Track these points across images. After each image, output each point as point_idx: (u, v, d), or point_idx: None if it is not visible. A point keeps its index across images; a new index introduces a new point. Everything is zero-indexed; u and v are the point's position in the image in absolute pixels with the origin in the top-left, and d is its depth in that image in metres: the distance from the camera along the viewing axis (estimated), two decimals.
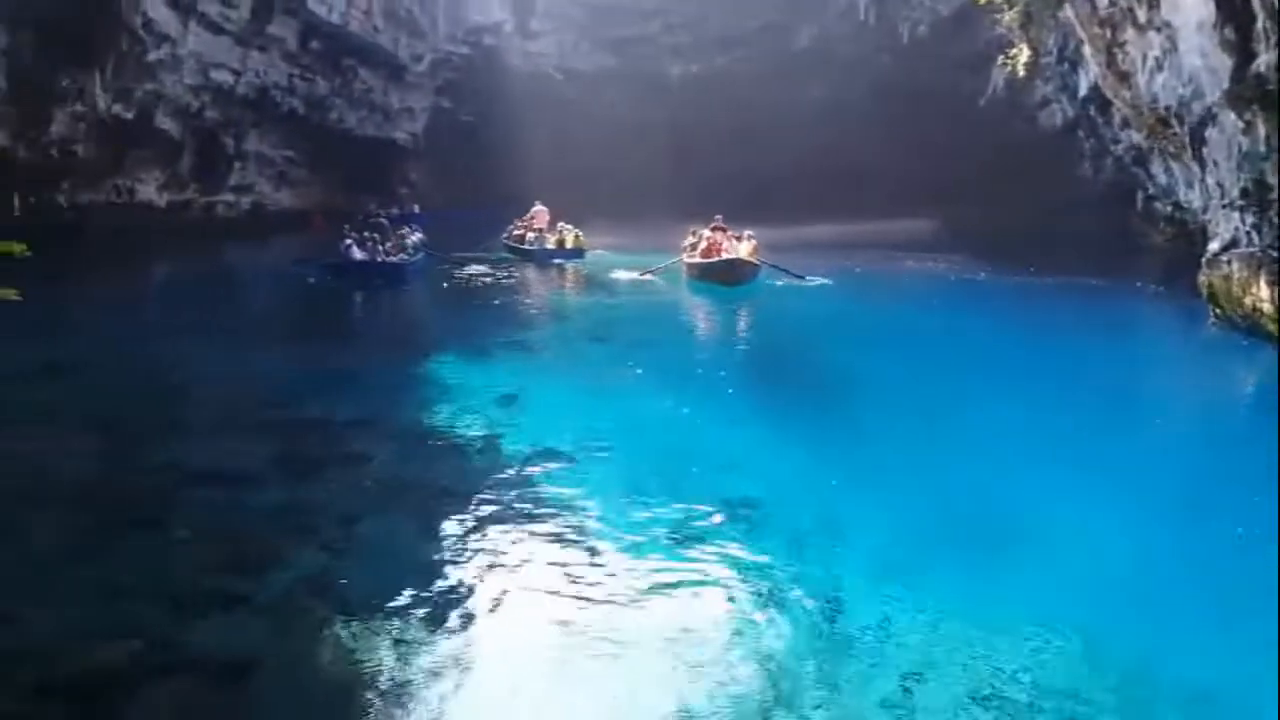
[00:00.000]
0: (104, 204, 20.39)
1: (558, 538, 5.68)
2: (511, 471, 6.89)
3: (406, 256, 19.09)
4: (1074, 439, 7.96)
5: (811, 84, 33.96)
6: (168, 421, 8.23)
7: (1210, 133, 11.52)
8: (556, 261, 22.29)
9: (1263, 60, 9.82)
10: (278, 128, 26.75)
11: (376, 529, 5.88)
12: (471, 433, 7.85)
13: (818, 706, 3.93)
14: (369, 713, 3.83)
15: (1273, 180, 10.25)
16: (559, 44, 39.29)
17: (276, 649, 4.37)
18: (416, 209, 28.93)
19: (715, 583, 5.07)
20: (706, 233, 18.87)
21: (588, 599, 4.89)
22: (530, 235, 23.51)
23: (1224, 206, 11.66)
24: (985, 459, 7.37)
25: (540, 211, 24.21)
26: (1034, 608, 4.73)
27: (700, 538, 5.66)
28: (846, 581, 5.05)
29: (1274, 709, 3.80)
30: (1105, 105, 19.43)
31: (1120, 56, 13.24)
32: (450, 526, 5.82)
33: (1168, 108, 12.39)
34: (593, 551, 5.49)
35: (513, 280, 19.99)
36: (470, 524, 5.86)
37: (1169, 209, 19.49)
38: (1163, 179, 18.59)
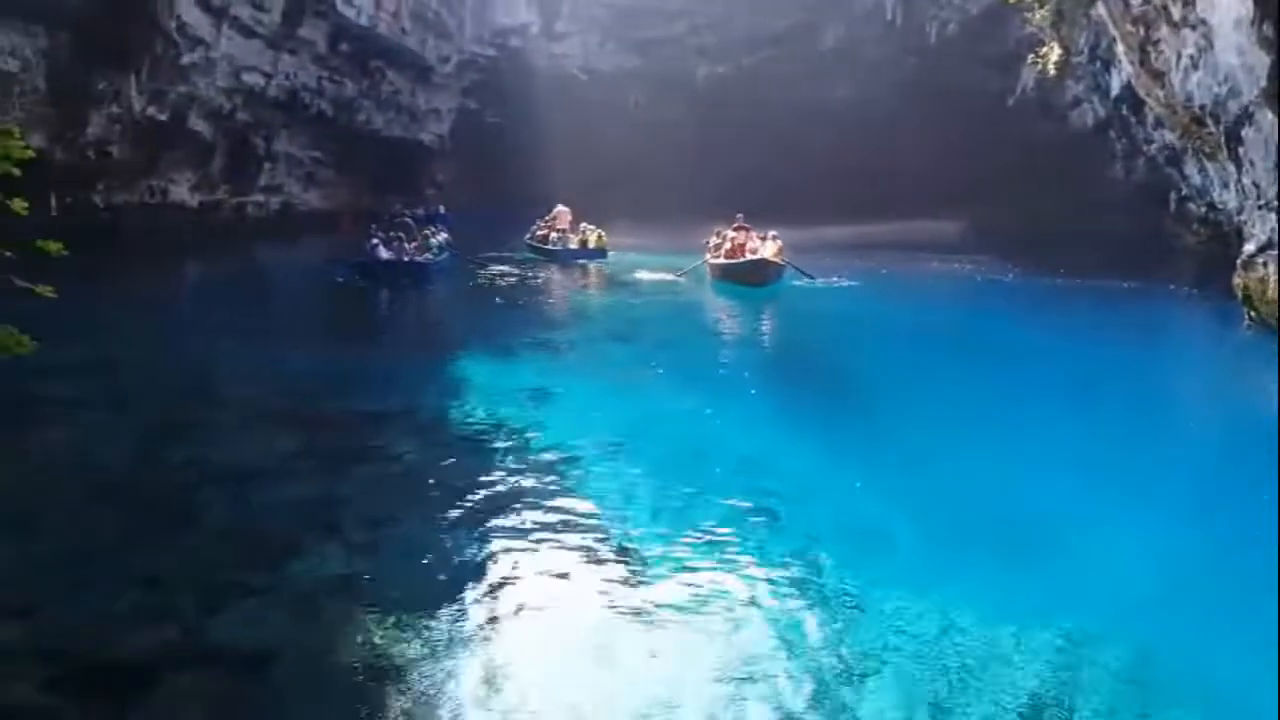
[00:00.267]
0: (138, 204, 20.76)
1: (580, 536, 5.70)
2: (536, 469, 6.93)
3: (432, 256, 19.24)
4: (1103, 443, 7.85)
5: (838, 84, 33.77)
6: (197, 417, 8.36)
7: (1247, 132, 11.30)
8: (580, 261, 22.37)
9: None
10: (307, 129, 27.08)
11: (401, 524, 5.94)
12: (496, 430, 7.90)
13: (840, 706, 3.91)
14: (390, 705, 3.87)
15: None
16: (584, 45, 39.38)
17: (300, 641, 4.43)
18: (442, 209, 29.13)
19: (738, 581, 5.06)
20: (730, 233, 18.82)
21: (610, 597, 4.90)
22: (553, 235, 23.63)
23: (1260, 207, 11.42)
24: (1011, 462, 7.28)
25: (562, 212, 24.33)
26: (1059, 611, 4.67)
27: (723, 537, 5.65)
28: (870, 582, 5.02)
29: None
30: (1138, 105, 19.09)
31: (1154, 55, 13.01)
32: (474, 523, 5.86)
33: (1203, 106, 12.17)
34: (615, 550, 5.50)
35: (537, 280, 20.08)
36: (494, 520, 5.90)
37: (1203, 210, 19.11)
38: (1197, 179, 18.23)
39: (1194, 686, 4.14)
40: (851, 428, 8.32)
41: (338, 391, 9.17)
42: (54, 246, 6.29)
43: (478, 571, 5.18)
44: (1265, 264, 11.19)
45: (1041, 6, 18.79)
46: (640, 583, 5.06)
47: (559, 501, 6.26)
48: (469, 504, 6.16)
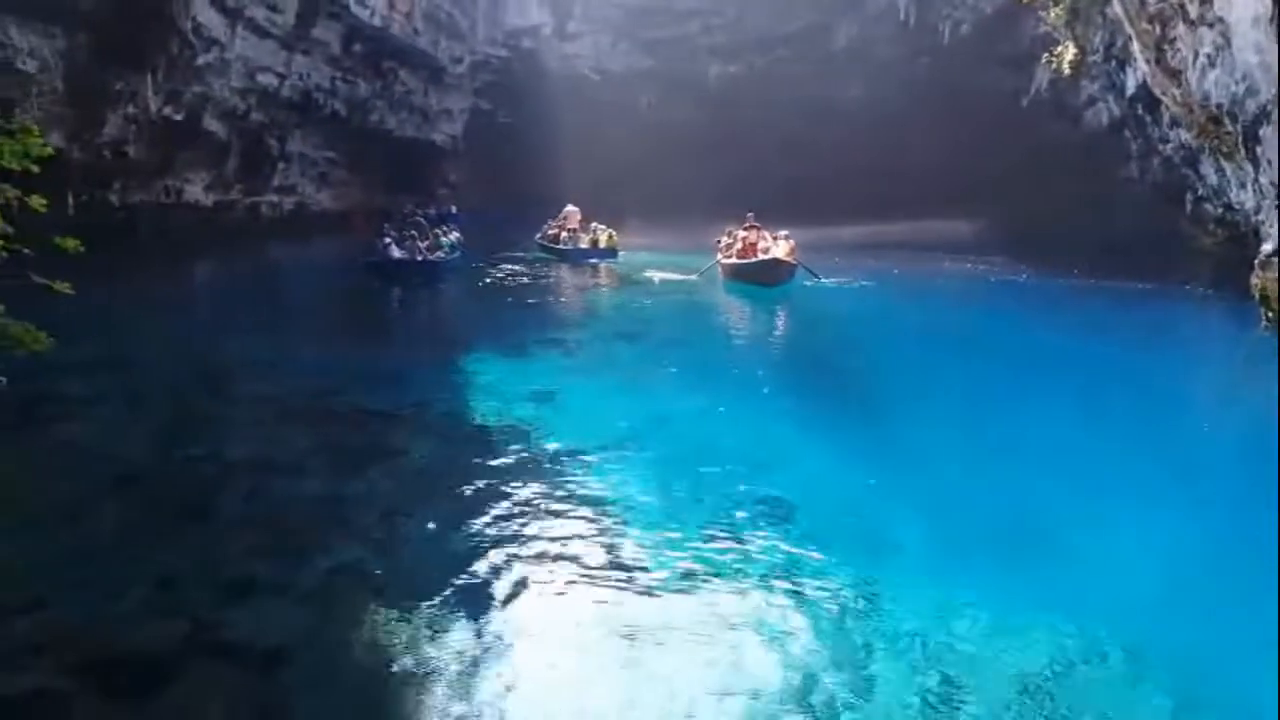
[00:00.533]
0: (153, 204, 20.92)
1: (592, 533, 5.72)
2: (548, 466, 6.95)
3: (444, 255, 19.31)
4: (1116, 445, 7.80)
5: (850, 84, 33.70)
6: (212, 413, 8.43)
7: (1265, 131, 11.16)
8: (591, 261, 22.40)
9: None
10: (320, 129, 27.24)
11: (413, 520, 5.97)
12: (508, 427, 7.93)
13: (849, 703, 3.91)
14: (403, 698, 3.89)
15: None
16: (596, 46, 39.46)
17: (315, 635, 4.46)
18: (454, 209, 29.26)
19: (748, 578, 5.07)
20: (741, 232, 18.77)
21: (621, 592, 4.91)
22: (564, 235, 23.69)
23: (1278, 207, 11.30)
24: (1025, 464, 7.25)
25: (572, 212, 24.43)
26: (1071, 611, 4.65)
27: (735, 536, 5.65)
28: (882, 580, 5.01)
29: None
30: (1153, 104, 18.91)
31: (1170, 53, 12.88)
32: (486, 519, 5.88)
33: (1219, 105, 12.05)
34: (627, 546, 5.51)
35: (548, 279, 20.13)
36: (506, 517, 5.92)
37: (1219, 210, 18.91)
38: (1213, 179, 18.04)
39: (1207, 687, 4.11)
40: (865, 428, 8.30)
41: (351, 389, 9.21)
42: (71, 243, 6.37)
43: (489, 567, 5.19)
44: None
45: (1056, 5, 18.66)
46: (652, 580, 5.07)
47: (571, 499, 6.28)
48: (481, 501, 6.18)
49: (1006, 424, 8.54)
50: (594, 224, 23.47)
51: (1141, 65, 15.68)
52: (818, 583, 5.02)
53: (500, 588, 4.95)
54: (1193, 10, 11.74)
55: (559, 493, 6.39)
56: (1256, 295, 11.76)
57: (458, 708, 3.87)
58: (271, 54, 23.24)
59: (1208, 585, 5.22)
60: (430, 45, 30.77)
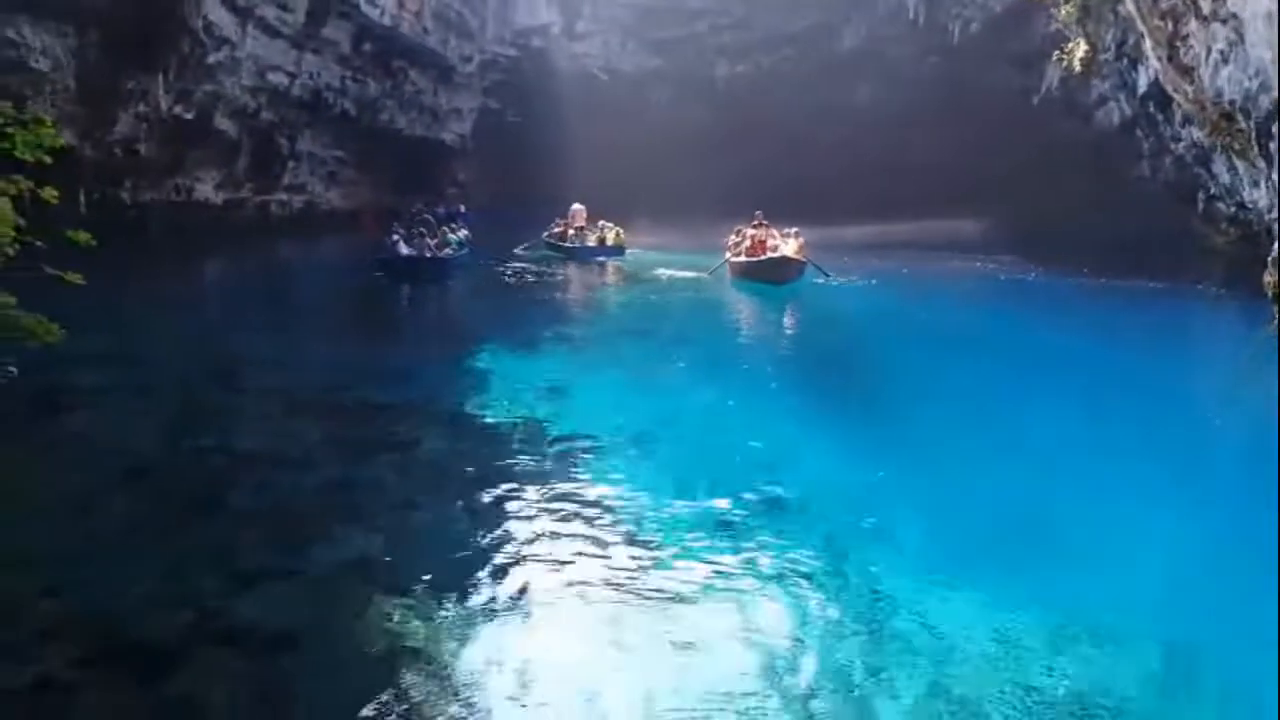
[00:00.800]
0: (164, 202, 21.06)
1: (598, 525, 5.72)
2: (555, 458, 6.96)
3: (452, 252, 19.38)
4: (1126, 445, 7.75)
5: (858, 84, 33.64)
6: (222, 405, 8.47)
7: (1277, 126, 11.10)
8: (598, 259, 22.42)
9: None
10: (330, 129, 27.35)
11: (421, 510, 5.99)
12: (516, 421, 7.95)
13: (856, 697, 3.89)
14: (410, 685, 3.90)
15: None
16: (605, 45, 39.50)
17: (322, 622, 4.48)
18: (463, 208, 29.31)
19: (755, 573, 5.05)
20: (750, 230, 18.75)
21: (626, 584, 4.91)
22: (570, 233, 23.69)
23: None
24: (1031, 462, 7.22)
25: (579, 210, 24.44)
26: (1078, 610, 4.62)
27: (741, 528, 5.64)
28: (889, 576, 4.99)
29: None
30: (1165, 102, 18.80)
31: (1183, 50, 12.80)
32: (493, 510, 5.89)
33: (1232, 102, 11.98)
34: (632, 539, 5.50)
35: (555, 277, 20.16)
36: (512, 508, 5.93)
37: (1232, 209, 18.79)
38: (1225, 178, 17.92)
39: (1211, 681, 4.08)
40: (873, 425, 8.28)
41: (360, 383, 9.24)
42: (83, 237, 6.44)
43: (496, 557, 5.20)
44: None
45: (1067, 3, 18.57)
46: (657, 572, 5.06)
47: (579, 491, 6.28)
48: (489, 493, 6.19)
49: (1014, 423, 8.50)
50: (601, 222, 23.50)
51: (1153, 62, 15.63)
52: (822, 575, 5.01)
53: (506, 577, 4.95)
54: (1205, 6, 11.67)
55: (566, 485, 6.39)
56: (1269, 293, 11.69)
57: (463, 694, 3.88)
58: (282, 53, 23.36)
59: (1208, 582, 5.19)
60: (440, 44, 30.86)
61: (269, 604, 4.62)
